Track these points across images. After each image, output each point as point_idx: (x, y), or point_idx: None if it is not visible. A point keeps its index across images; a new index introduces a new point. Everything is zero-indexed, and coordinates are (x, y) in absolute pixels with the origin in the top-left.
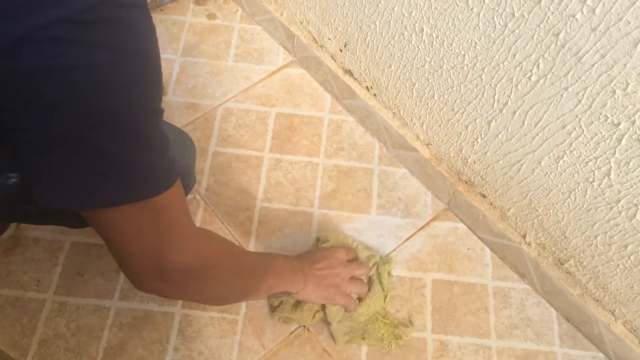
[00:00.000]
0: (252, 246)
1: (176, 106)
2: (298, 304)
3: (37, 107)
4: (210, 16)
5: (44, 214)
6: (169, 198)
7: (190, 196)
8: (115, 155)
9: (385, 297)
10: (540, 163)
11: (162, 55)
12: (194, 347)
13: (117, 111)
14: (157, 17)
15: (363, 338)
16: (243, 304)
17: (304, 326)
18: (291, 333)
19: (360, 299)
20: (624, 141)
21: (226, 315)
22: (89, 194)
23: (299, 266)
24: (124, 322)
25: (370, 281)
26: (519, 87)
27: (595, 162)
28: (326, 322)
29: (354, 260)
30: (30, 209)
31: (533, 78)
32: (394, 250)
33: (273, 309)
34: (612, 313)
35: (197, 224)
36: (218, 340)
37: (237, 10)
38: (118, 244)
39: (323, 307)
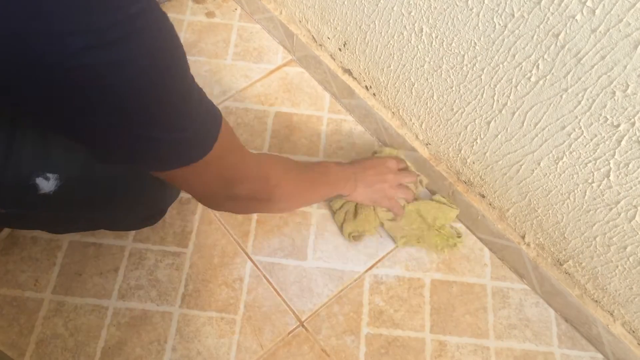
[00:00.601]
0: (250, 246)
1: None
2: (356, 213)
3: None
4: (209, 14)
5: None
6: (220, 144)
7: (187, 195)
8: (163, 139)
9: (439, 208)
10: (539, 164)
11: None
12: (192, 346)
13: (163, 105)
14: None
15: (418, 242)
16: (241, 304)
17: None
18: (289, 333)
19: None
20: (623, 143)
21: (224, 315)
22: (146, 163)
23: (351, 170)
24: (122, 322)
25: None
26: (518, 87)
27: (595, 164)
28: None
29: (404, 169)
30: (47, 216)
31: (533, 79)
32: (392, 250)
33: (332, 211)
34: (611, 314)
35: (196, 221)
36: (216, 340)
37: (236, 9)
38: (187, 189)
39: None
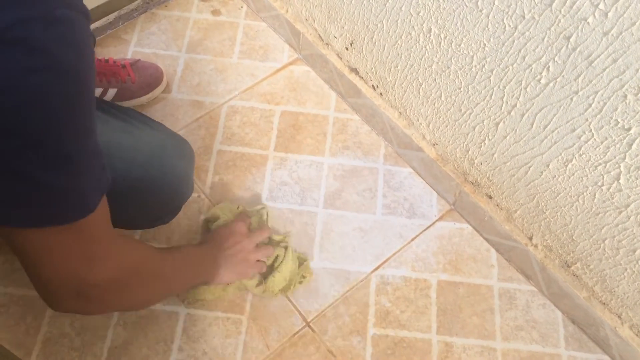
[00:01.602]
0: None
1: (180, 103)
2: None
3: None
4: (215, 12)
5: None
6: (91, 220)
7: (194, 194)
8: (36, 179)
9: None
10: (548, 166)
11: (167, 52)
12: (198, 346)
13: (41, 135)
14: (161, 13)
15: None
16: (248, 304)
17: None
18: (295, 333)
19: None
20: (634, 146)
21: (230, 315)
22: (5, 212)
23: (210, 253)
24: (128, 321)
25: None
26: (528, 89)
27: (605, 166)
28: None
29: (251, 228)
30: None
31: (543, 81)
32: (399, 250)
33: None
34: (619, 316)
35: (200, 224)
36: (222, 340)
37: (242, 7)
38: (34, 265)
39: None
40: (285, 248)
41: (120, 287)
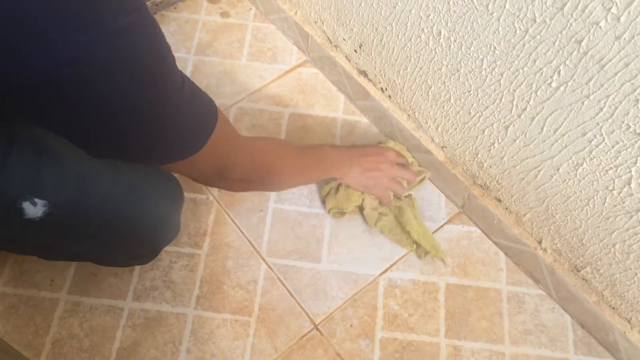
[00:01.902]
0: (264, 248)
1: None
2: (338, 190)
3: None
4: (224, 14)
5: (46, 250)
6: (215, 136)
7: (202, 196)
8: (163, 138)
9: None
10: (558, 169)
11: (176, 54)
12: (206, 348)
13: (154, 106)
14: (170, 15)
15: (392, 233)
16: (256, 307)
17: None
18: (303, 336)
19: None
20: None
21: (239, 317)
22: (151, 160)
23: (347, 154)
24: (137, 323)
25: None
26: (538, 93)
27: (616, 171)
28: (361, 208)
29: (403, 165)
30: (34, 242)
31: (553, 84)
32: (407, 253)
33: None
34: (629, 321)
35: (210, 224)
36: (230, 342)
37: (250, 9)
38: (186, 174)
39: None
40: (412, 205)
41: (257, 180)
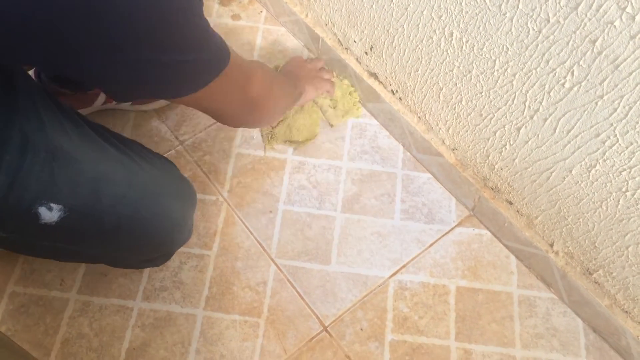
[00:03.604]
0: (274, 249)
1: None
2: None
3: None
4: (235, 17)
5: (61, 252)
6: (230, 63)
7: (212, 197)
8: (197, 58)
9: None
10: (571, 171)
11: None
12: (215, 349)
13: (183, 27)
14: None
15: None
16: (265, 308)
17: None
18: (312, 338)
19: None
20: None
21: (248, 319)
22: (182, 87)
23: (290, 75)
24: (146, 323)
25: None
26: (551, 94)
27: (630, 172)
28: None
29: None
30: (49, 245)
31: (567, 85)
32: (417, 256)
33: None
34: None
35: (219, 225)
36: (239, 343)
37: (261, 11)
38: (217, 105)
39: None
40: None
41: (267, 93)
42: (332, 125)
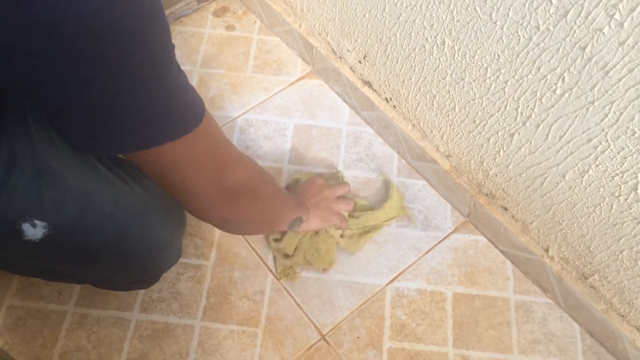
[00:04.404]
0: (271, 259)
1: None
2: (317, 247)
3: (56, 60)
4: (229, 27)
5: (47, 271)
6: (207, 124)
7: None
8: (145, 98)
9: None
10: (564, 177)
11: (182, 67)
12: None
13: (134, 55)
14: (176, 29)
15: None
16: (263, 317)
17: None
18: (311, 347)
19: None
20: None
21: (246, 329)
22: (142, 135)
23: (297, 199)
24: (144, 335)
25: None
26: (543, 100)
27: (622, 177)
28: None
29: (329, 183)
30: (34, 264)
31: (558, 91)
32: (414, 263)
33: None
34: (638, 329)
35: (217, 235)
36: (238, 353)
37: (255, 22)
38: (179, 181)
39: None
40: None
41: (252, 189)
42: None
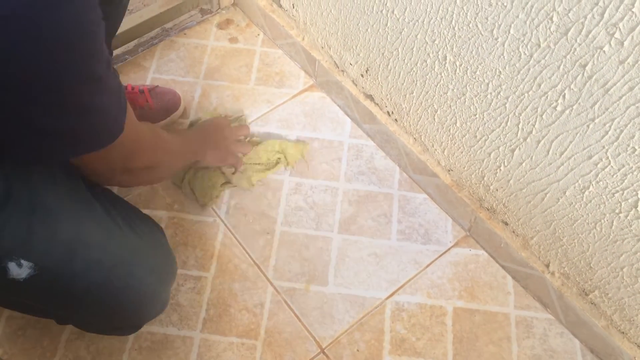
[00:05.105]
0: (271, 271)
1: None
2: (201, 178)
3: None
4: (232, 40)
5: (29, 308)
6: (123, 135)
7: (210, 219)
8: (77, 125)
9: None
10: (565, 193)
11: (185, 78)
12: None
13: (42, 81)
14: (179, 41)
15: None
16: (262, 330)
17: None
18: None
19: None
20: None
21: (245, 341)
22: (61, 152)
23: (197, 135)
24: (143, 346)
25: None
26: (544, 116)
27: (623, 194)
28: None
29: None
30: (15, 300)
31: (559, 108)
32: (414, 276)
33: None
34: (639, 346)
35: (217, 247)
36: None
37: (258, 35)
38: (88, 167)
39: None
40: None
41: (153, 167)
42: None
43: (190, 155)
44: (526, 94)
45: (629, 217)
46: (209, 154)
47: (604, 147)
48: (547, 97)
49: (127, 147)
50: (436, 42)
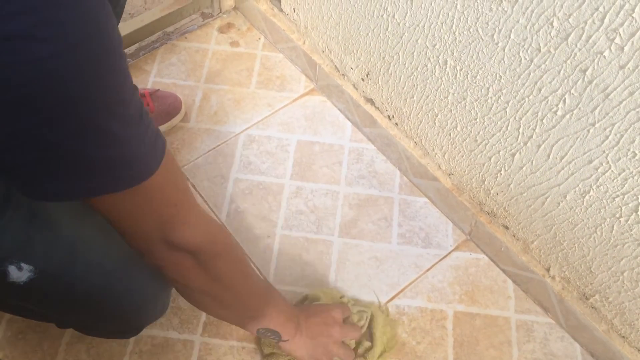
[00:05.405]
0: (272, 273)
1: (198, 132)
2: None
3: None
4: (233, 44)
5: (29, 312)
6: (164, 172)
7: None
8: (74, 151)
9: (379, 353)
10: (565, 197)
11: (186, 82)
12: None
13: (66, 106)
14: (180, 45)
15: None
16: None
17: None
18: None
19: None
20: None
21: (246, 345)
22: (82, 185)
23: (295, 313)
24: (143, 350)
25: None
26: (544, 121)
27: (623, 198)
28: None
29: (347, 322)
30: (15, 304)
31: (559, 113)
32: (414, 280)
33: (262, 356)
34: (639, 350)
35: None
36: None
37: (259, 38)
38: (121, 224)
39: None
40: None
41: (206, 257)
42: None
43: (269, 315)
44: (527, 99)
45: (629, 222)
46: (300, 342)
47: (604, 151)
48: (547, 101)
49: (163, 210)
50: (437, 46)
